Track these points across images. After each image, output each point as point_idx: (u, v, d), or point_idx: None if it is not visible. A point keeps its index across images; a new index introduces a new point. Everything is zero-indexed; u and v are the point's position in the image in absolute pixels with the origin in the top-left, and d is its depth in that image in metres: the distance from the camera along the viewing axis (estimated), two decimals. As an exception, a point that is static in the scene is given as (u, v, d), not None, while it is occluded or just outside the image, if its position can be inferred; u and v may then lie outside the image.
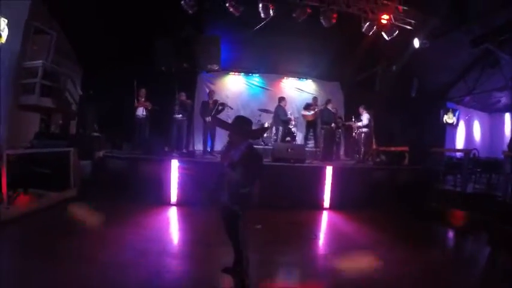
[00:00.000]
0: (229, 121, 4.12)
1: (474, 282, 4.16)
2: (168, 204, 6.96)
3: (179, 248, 4.88)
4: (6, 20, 6.55)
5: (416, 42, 9.06)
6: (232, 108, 9.89)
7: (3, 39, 6.56)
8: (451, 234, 6.70)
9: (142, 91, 8.89)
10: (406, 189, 7.80)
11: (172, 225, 6.23)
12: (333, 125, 9.89)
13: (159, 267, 3.86)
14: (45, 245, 4.18)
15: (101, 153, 7.54)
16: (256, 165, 3.41)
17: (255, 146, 3.83)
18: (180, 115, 9.16)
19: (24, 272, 3.46)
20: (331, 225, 6.73)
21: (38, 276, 3.37)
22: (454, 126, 12.84)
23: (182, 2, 7.84)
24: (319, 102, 10.14)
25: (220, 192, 3.43)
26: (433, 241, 5.94)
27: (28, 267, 3.56)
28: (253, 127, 10.47)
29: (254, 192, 3.51)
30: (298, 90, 12.32)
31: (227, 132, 3.78)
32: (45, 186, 6.39)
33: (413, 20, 8.83)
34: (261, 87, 12.13)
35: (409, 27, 8.90)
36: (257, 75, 12.09)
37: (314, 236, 5.57)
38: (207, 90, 10.39)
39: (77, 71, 9.89)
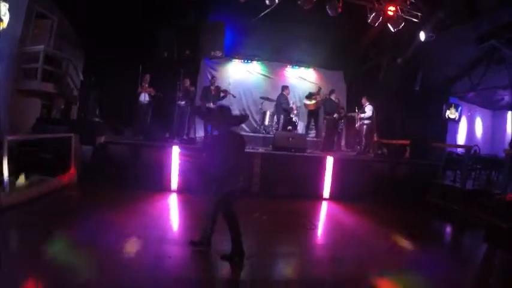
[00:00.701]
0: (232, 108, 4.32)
1: (469, 278, 4.20)
2: (169, 190, 7.01)
3: (179, 234, 4.90)
4: (7, 5, 6.45)
5: (422, 35, 8.95)
6: (235, 97, 9.84)
7: (5, 24, 6.47)
8: (448, 229, 6.77)
9: (147, 77, 8.85)
10: (406, 183, 7.83)
11: (172, 212, 6.28)
12: (335, 115, 9.87)
13: (159, 253, 3.89)
14: (45, 231, 4.18)
15: (102, 139, 7.51)
16: (238, 148, 3.69)
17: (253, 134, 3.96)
18: (183, 102, 9.13)
19: (24, 258, 3.47)
20: (329, 216, 6.79)
21: (37, 262, 3.38)
22: (456, 122, 12.78)
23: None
24: (322, 92, 10.09)
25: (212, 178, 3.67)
26: (429, 235, 5.98)
27: (28, 253, 3.57)
28: (256, 115, 10.54)
29: (237, 175, 3.62)
30: (301, 79, 12.21)
31: None
32: (46, 171, 6.39)
33: (420, 12, 8.71)
34: (263, 75, 12.03)
35: (415, 19, 8.78)
36: (260, 62, 11.96)
37: (313, 226, 5.62)
38: (209, 77, 10.35)
39: (78, 55, 9.78)
